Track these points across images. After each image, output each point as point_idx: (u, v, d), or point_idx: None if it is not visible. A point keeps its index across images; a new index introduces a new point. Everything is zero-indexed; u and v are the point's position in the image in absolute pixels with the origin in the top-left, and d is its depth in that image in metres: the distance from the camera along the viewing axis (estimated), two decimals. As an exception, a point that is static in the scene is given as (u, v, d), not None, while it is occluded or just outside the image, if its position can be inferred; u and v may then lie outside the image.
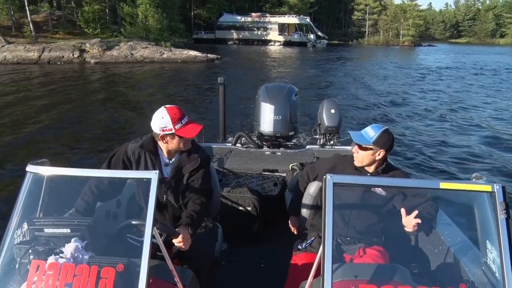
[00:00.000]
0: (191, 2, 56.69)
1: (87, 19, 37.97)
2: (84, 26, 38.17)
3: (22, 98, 15.63)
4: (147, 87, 20.08)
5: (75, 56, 30.34)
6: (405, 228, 2.16)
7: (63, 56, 30.11)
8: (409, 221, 2.13)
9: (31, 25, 33.22)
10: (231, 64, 32.43)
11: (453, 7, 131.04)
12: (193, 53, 34.08)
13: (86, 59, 30.52)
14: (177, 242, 2.16)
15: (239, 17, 64.32)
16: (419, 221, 2.10)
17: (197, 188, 2.54)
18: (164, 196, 2.53)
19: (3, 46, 29.87)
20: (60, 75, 23.26)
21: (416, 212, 2.12)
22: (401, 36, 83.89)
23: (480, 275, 2.02)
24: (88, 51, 31.16)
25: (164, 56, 33.09)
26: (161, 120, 2.38)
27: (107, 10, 41.02)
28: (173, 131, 2.38)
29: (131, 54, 32.32)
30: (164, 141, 2.45)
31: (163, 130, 2.39)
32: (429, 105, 15.92)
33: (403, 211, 2.16)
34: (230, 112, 9.63)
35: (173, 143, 2.45)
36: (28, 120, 11.84)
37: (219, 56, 35.30)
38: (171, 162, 2.55)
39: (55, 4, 39.66)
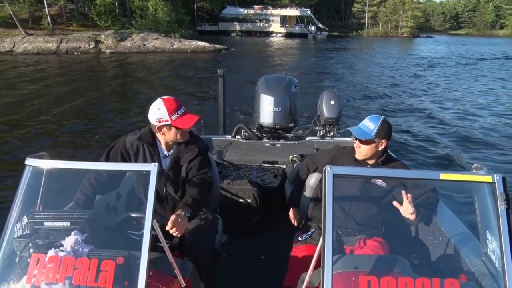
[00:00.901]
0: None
1: (99, 12, 40.04)
2: (96, 19, 40.21)
3: (37, 88, 16.08)
4: (157, 77, 20.78)
5: (91, 46, 32.36)
6: (404, 216, 2.14)
7: (79, 47, 32.02)
8: (406, 208, 2.11)
9: (48, 18, 35.11)
10: (236, 54, 33.78)
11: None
12: (201, 43, 36.29)
13: (101, 50, 32.51)
14: (169, 228, 2.14)
15: (241, 10, 65.81)
16: (412, 210, 2.08)
17: (194, 176, 2.52)
18: (164, 188, 2.53)
19: (23, 38, 31.70)
20: (76, 65, 24.64)
21: (410, 198, 2.09)
22: (400, 28, 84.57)
23: (480, 266, 2.02)
24: (103, 42, 33.28)
25: (175, 46, 35.12)
26: (157, 111, 2.38)
27: (116, 4, 42.69)
28: (170, 122, 2.37)
29: (144, 44, 34.41)
30: (161, 132, 2.44)
31: (159, 121, 2.38)
32: (426, 95, 15.97)
33: (404, 196, 2.11)
34: (235, 100, 9.61)
35: (170, 135, 2.44)
36: (34, 111, 11.92)
37: (225, 47, 36.98)
38: (169, 154, 2.54)
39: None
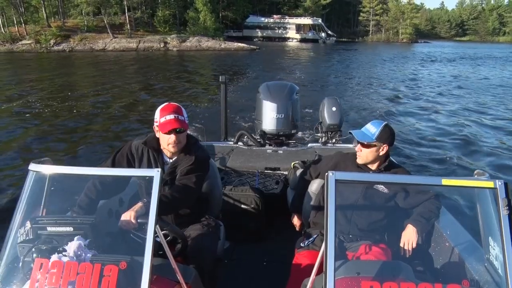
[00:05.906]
0: (219, 5, 66.65)
1: (159, 21, 54.52)
2: (157, 26, 54.48)
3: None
4: (206, 71, 26.99)
5: (161, 46, 47.26)
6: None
7: (153, 46, 46.81)
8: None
9: (128, 25, 50.43)
10: (265, 52, 46.33)
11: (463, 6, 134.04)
12: (241, 44, 51.46)
13: (168, 48, 47.27)
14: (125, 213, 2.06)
15: (263, 19, 76.87)
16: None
17: (178, 179, 2.46)
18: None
19: (111, 39, 46.77)
20: (151, 58, 36.17)
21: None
22: (400, 34, 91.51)
23: (483, 272, 2.02)
24: (170, 43, 48.25)
25: (222, 46, 50.07)
26: (156, 113, 2.43)
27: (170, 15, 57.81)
28: (158, 123, 2.41)
29: (199, 45, 49.20)
30: (157, 135, 2.48)
31: (155, 122, 2.44)
32: (426, 100, 16.03)
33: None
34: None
35: (161, 139, 2.46)
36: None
37: (258, 47, 51.44)
38: (171, 161, 2.54)
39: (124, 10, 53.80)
